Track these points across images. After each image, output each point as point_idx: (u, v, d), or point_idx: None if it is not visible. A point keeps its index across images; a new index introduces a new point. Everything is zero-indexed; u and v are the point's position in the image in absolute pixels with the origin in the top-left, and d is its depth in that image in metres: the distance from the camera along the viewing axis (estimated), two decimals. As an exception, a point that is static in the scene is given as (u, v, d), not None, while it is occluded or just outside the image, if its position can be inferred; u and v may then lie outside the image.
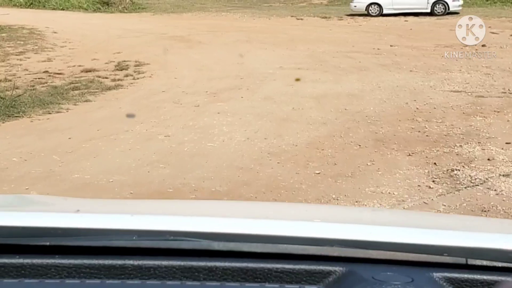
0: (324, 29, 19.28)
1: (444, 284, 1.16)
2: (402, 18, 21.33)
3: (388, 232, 1.39)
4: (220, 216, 1.61)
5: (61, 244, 1.22)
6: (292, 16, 22.87)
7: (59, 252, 1.20)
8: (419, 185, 5.31)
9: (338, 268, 1.18)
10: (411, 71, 10.68)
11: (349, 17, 22.01)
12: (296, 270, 1.17)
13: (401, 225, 1.64)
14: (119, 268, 1.17)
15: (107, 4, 26.69)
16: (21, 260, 1.17)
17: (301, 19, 22.20)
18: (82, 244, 1.23)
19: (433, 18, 20.66)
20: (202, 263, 1.18)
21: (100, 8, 26.45)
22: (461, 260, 1.21)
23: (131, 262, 1.18)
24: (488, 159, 5.92)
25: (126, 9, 26.49)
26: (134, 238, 1.24)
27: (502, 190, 5.13)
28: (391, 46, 14.35)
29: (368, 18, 21.51)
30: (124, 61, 12.50)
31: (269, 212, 1.95)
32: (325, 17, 22.12)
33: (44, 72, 11.51)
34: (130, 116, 7.64)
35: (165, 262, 1.18)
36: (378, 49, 13.61)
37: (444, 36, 15.77)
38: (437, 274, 1.17)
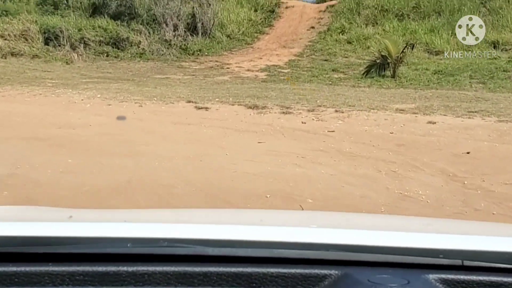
0: (247, 139, 8.76)
1: (440, 285, 1.28)
2: (414, 114, 11.10)
3: (384, 236, 1.52)
4: (213, 223, 1.77)
5: (55, 252, 1.33)
6: (190, 102, 12.29)
7: (53, 260, 1.30)
8: None
9: (333, 272, 1.30)
10: None
11: (306, 107, 11.59)
12: (291, 274, 1.29)
13: (397, 229, 1.79)
14: (113, 275, 1.27)
15: None
16: (14, 268, 1.28)
17: (206, 108, 11.65)
18: (75, 252, 1.34)
19: (485, 120, 10.43)
20: (196, 269, 1.29)
21: None
22: (457, 262, 1.34)
23: (125, 268, 1.27)
24: None
25: None
26: (128, 245, 1.34)
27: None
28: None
29: (347, 112, 11.09)
30: None
31: (263, 218, 2.03)
32: (256, 107, 11.61)
33: None
34: None
35: (159, 268, 1.28)
36: None
37: None
38: (433, 276, 1.29)
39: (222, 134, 9.23)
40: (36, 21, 22.13)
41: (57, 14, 22.98)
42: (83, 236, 1.41)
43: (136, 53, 20.98)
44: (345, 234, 1.54)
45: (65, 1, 24.24)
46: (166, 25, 22.07)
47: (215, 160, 7.41)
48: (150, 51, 21.14)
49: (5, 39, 21.41)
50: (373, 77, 16.57)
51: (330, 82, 16.30)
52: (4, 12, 22.80)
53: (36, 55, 20.67)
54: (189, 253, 1.33)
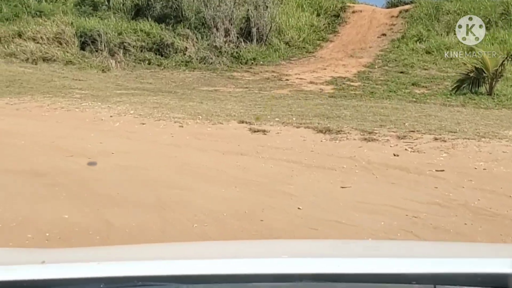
0: (324, 181, 6.40)
1: None
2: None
3: (356, 263, 1.55)
4: (186, 258, 1.76)
5: None
6: (244, 122, 10.01)
7: None
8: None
9: None
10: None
11: (394, 132, 9.16)
12: None
13: (368, 256, 1.82)
14: None
15: None
16: None
17: (264, 131, 9.36)
18: None
19: None
20: None
21: None
22: (430, 287, 1.37)
23: None
24: None
25: None
26: (102, 286, 1.37)
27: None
28: None
29: (450, 141, 8.62)
30: None
31: (236, 251, 2.06)
32: (328, 130, 9.24)
33: None
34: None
35: None
36: None
37: None
38: None
39: (287, 172, 6.84)
40: (72, 23, 20.25)
41: (96, 16, 21.05)
42: (56, 278, 1.41)
43: (182, 61, 18.83)
44: (317, 263, 1.53)
45: (106, 2, 22.33)
46: (217, 29, 19.90)
47: (283, 218, 5.03)
48: (197, 59, 18.97)
49: (37, 43, 19.59)
50: (465, 94, 13.95)
51: (414, 99, 13.75)
52: (37, 13, 21.02)
53: (70, 61, 18.76)
54: None
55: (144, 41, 19.47)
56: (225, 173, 6.68)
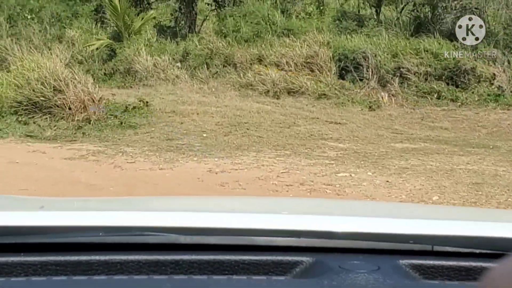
0: None
1: (410, 270, 1.32)
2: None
3: (354, 222, 1.57)
4: (186, 211, 1.83)
5: (26, 242, 1.35)
6: None
7: (25, 250, 1.32)
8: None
9: (305, 259, 1.34)
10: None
11: None
12: (263, 262, 1.32)
13: (367, 215, 1.85)
14: (86, 264, 1.29)
15: None
16: None
17: None
18: (47, 241, 1.35)
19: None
20: (168, 257, 1.32)
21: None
22: (427, 247, 1.38)
23: (97, 257, 1.30)
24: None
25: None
26: (100, 234, 1.38)
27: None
28: None
29: None
30: None
31: (235, 205, 2.17)
32: None
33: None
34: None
35: (131, 257, 1.31)
36: None
37: None
38: (403, 261, 1.34)
39: None
40: (328, 43, 15.58)
41: (361, 33, 16.13)
42: (54, 225, 1.42)
43: (488, 94, 13.10)
44: (316, 221, 1.55)
45: (375, 15, 17.35)
46: (540, 47, 13.79)
47: None
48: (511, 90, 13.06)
49: (282, 69, 15.20)
50: None
51: None
52: (285, 31, 16.68)
53: (324, 94, 14.05)
54: (161, 241, 1.36)
55: (430, 66, 14.07)
56: None
